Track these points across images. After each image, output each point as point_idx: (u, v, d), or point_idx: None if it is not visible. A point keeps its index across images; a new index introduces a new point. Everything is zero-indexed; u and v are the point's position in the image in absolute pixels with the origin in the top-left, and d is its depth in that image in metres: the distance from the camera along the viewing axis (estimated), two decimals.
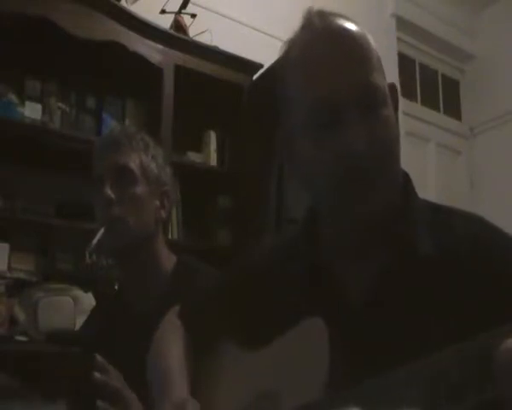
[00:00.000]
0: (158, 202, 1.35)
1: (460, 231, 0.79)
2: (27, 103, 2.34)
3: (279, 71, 0.85)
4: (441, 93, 4.32)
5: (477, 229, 0.80)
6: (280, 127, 0.86)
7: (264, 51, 2.87)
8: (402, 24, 3.92)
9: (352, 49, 0.78)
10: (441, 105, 4.31)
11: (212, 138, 2.81)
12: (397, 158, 0.80)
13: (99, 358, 1.10)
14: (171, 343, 0.98)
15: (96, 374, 1.07)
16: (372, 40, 0.82)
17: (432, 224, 0.81)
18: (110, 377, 1.09)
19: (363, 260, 0.81)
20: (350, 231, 0.81)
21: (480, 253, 0.75)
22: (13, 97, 2.32)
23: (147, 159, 1.34)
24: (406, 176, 0.86)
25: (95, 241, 1.25)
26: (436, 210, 0.85)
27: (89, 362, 1.09)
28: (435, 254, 0.77)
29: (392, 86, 0.84)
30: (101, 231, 1.26)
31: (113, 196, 1.28)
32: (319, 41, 0.80)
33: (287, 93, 0.83)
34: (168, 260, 1.36)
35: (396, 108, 0.84)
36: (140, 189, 1.31)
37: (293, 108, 0.82)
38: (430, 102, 4.23)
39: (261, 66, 2.83)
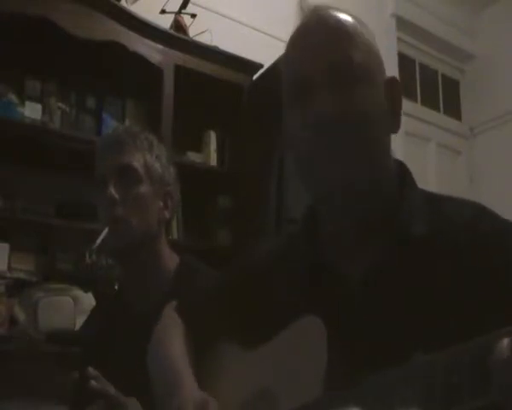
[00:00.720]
0: (161, 203, 1.33)
1: (459, 219, 0.79)
2: (27, 103, 2.34)
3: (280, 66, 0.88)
4: (441, 93, 4.32)
5: (476, 215, 0.79)
6: (283, 121, 0.87)
7: (264, 51, 2.88)
8: (402, 24, 3.91)
9: (332, 31, 0.81)
10: (441, 105, 4.30)
11: (212, 138, 2.81)
12: (373, 136, 0.80)
13: (91, 369, 1.09)
14: (173, 335, 0.97)
15: (93, 382, 1.07)
16: (368, 31, 0.84)
17: (431, 214, 0.81)
18: (106, 385, 1.09)
19: (362, 258, 0.81)
20: (330, 205, 0.82)
21: (479, 239, 0.75)
22: (13, 97, 2.32)
23: (151, 158, 1.33)
24: (402, 166, 0.86)
25: (98, 241, 1.25)
26: (435, 199, 0.84)
27: (87, 364, 1.09)
28: (434, 246, 0.77)
29: (392, 80, 0.84)
30: (105, 231, 1.26)
31: (116, 196, 1.26)
32: (307, 27, 0.84)
33: (283, 83, 0.86)
34: (171, 260, 1.36)
35: (397, 103, 0.84)
36: (144, 189, 1.30)
37: (283, 88, 0.85)
38: (430, 102, 4.22)
39: (261, 66, 2.83)
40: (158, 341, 0.99)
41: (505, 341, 0.52)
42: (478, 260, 0.73)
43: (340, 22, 0.82)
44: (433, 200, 0.84)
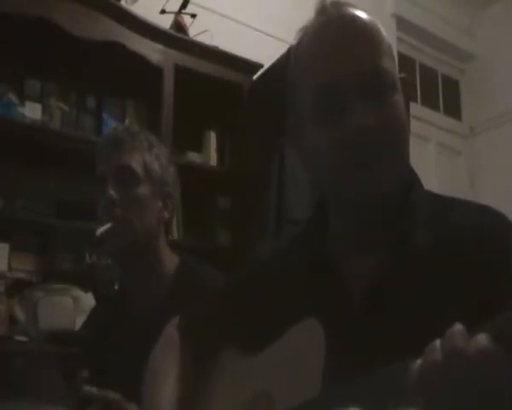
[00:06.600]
0: (160, 203, 1.33)
1: (466, 226, 0.78)
2: (27, 103, 2.34)
3: (292, 58, 0.86)
4: (441, 93, 4.32)
5: (486, 219, 0.79)
6: (289, 114, 0.87)
7: (264, 51, 2.88)
8: (402, 24, 3.91)
9: (361, 35, 0.80)
10: (441, 105, 4.31)
11: (212, 138, 2.81)
12: (404, 144, 0.81)
13: (83, 372, 1.09)
14: (165, 375, 0.96)
15: (89, 389, 1.07)
16: (383, 30, 0.83)
17: (437, 221, 0.80)
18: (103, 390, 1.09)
19: (366, 260, 0.80)
20: (354, 217, 0.80)
21: (487, 249, 0.74)
22: (13, 97, 2.32)
23: (150, 158, 1.32)
24: (411, 169, 0.85)
25: (100, 230, 1.24)
26: (442, 203, 0.84)
27: (87, 364, 1.09)
28: (439, 251, 0.76)
29: (403, 80, 0.84)
30: (108, 224, 1.25)
31: (115, 196, 1.26)
32: (330, 27, 0.81)
33: (297, 79, 0.84)
34: (171, 260, 1.35)
35: (408, 101, 0.84)
36: (143, 189, 1.30)
37: (302, 94, 0.82)
38: (430, 102, 4.23)
39: (261, 66, 2.84)
40: (150, 382, 0.97)
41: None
42: (485, 273, 0.72)
43: (367, 24, 0.81)
44: (441, 204, 0.84)
